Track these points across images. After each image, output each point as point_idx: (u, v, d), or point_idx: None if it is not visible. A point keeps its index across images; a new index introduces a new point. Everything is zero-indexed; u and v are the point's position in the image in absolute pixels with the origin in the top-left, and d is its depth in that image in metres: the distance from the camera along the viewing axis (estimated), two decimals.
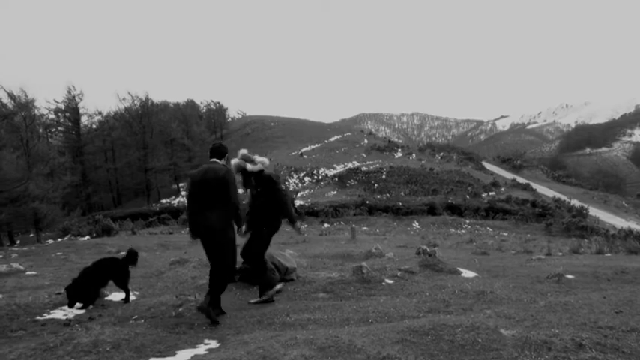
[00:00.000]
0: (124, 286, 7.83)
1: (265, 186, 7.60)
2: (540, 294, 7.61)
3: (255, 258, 7.73)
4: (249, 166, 7.56)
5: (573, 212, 45.58)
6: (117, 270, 7.84)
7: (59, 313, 7.07)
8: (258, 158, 7.69)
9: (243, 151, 7.82)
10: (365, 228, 34.53)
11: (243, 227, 7.09)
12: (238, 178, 7.36)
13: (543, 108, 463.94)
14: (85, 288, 7.43)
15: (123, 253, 15.78)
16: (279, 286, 8.15)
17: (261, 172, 7.62)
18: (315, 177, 65.28)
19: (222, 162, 6.84)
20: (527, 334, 4.54)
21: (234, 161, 7.70)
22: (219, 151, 6.91)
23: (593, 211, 49.91)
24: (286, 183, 63.53)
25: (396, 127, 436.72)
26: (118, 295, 8.03)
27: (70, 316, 6.94)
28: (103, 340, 5.25)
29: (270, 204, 7.57)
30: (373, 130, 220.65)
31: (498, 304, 6.82)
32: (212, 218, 6.46)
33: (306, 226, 37.73)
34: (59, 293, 7.99)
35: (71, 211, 43.60)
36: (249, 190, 7.82)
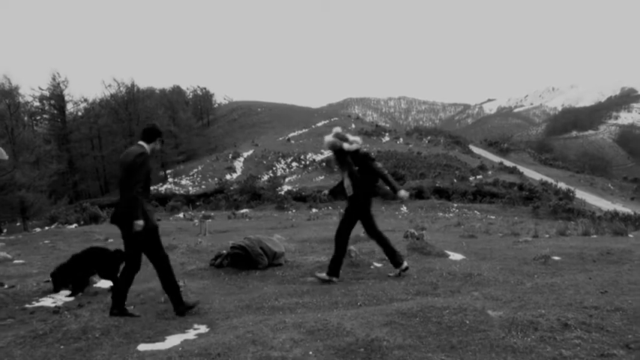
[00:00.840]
0: (110, 277, 7.69)
1: (363, 163, 7.56)
2: (527, 276, 7.68)
3: (374, 235, 7.89)
4: (346, 145, 7.53)
5: (560, 195, 45.90)
6: (104, 261, 7.73)
7: (48, 301, 7.06)
8: (351, 137, 7.67)
9: (337, 129, 7.82)
10: None
11: (140, 222, 5.83)
12: (332, 156, 7.62)
13: (530, 91, 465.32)
14: (73, 275, 7.39)
15: (111, 240, 15.78)
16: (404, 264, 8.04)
17: (357, 150, 7.61)
18: (303, 162, 65.33)
19: (150, 145, 6.18)
20: (514, 315, 4.58)
21: (327, 139, 7.72)
22: (147, 133, 6.22)
23: (580, 194, 50.29)
24: (274, 168, 63.48)
25: (383, 111, 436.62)
26: (107, 282, 8.01)
27: (59, 303, 6.93)
28: (92, 327, 5.25)
29: (369, 180, 7.57)
30: (360, 114, 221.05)
31: (486, 286, 6.88)
32: (117, 206, 6.05)
33: (294, 211, 37.81)
34: (47, 281, 7.98)
35: (58, 200, 43.40)
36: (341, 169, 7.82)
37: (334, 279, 7.74)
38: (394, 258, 7.87)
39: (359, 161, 7.55)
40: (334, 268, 7.79)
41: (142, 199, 5.87)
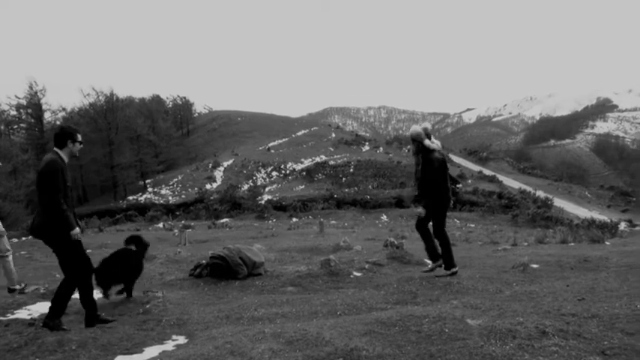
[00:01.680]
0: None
1: (424, 165, 7.81)
2: (506, 284, 7.72)
3: (436, 233, 8.09)
4: (426, 141, 7.85)
5: (538, 203, 46.25)
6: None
7: (23, 313, 6.94)
8: (435, 139, 7.99)
9: (427, 124, 8.20)
10: (333, 222, 34.60)
11: (76, 230, 5.74)
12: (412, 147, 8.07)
13: (509, 100, 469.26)
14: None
15: (90, 250, 15.56)
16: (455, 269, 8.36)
17: (432, 151, 7.85)
18: (283, 171, 65.29)
19: (64, 150, 5.82)
20: (493, 323, 4.60)
21: (415, 127, 8.03)
22: (56, 139, 5.82)
23: (558, 202, 50.71)
24: (254, 177, 63.34)
25: (363, 120, 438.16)
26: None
27: (35, 315, 6.82)
28: (68, 339, 5.18)
29: (434, 181, 7.83)
30: (340, 123, 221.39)
31: (465, 295, 6.91)
32: (36, 218, 5.81)
33: (274, 220, 37.71)
34: (22, 293, 7.86)
35: (36, 209, 42.93)
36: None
37: (438, 262, 8.22)
38: (447, 261, 8.26)
39: (424, 162, 7.82)
40: (432, 254, 8.26)
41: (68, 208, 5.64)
